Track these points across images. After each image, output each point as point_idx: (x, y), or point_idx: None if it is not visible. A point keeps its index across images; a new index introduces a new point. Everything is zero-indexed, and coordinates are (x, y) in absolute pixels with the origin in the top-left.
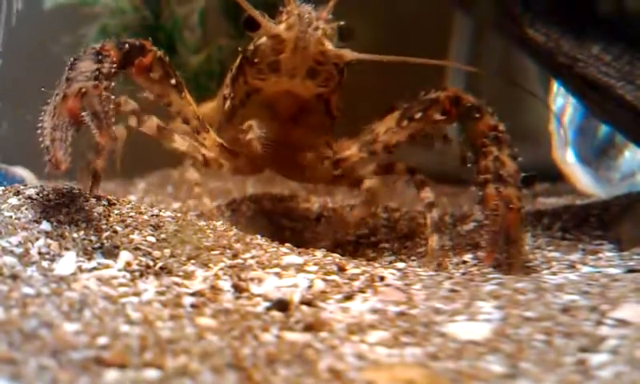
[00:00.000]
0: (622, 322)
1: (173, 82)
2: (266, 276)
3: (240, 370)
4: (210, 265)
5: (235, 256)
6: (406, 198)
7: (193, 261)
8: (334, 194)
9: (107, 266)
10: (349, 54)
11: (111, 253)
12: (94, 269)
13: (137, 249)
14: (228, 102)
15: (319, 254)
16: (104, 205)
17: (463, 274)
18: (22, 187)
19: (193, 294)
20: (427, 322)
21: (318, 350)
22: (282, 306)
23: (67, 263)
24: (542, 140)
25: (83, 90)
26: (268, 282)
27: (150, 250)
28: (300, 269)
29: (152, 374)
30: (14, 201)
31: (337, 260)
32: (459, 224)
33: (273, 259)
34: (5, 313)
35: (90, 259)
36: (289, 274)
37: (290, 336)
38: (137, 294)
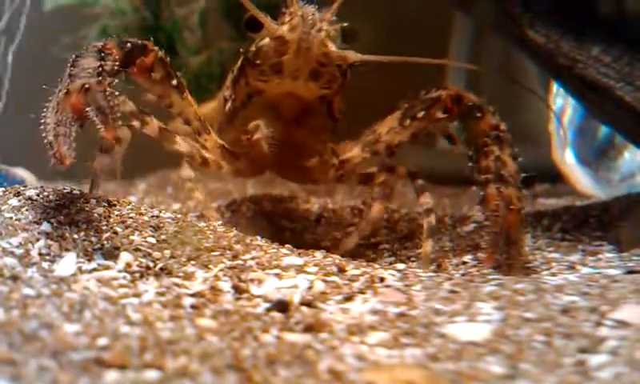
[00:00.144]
0: (622, 323)
1: (174, 82)
2: (266, 277)
3: (240, 371)
4: (210, 266)
5: (235, 257)
6: (406, 199)
7: (193, 262)
8: (334, 194)
9: (107, 267)
10: (352, 56)
11: (111, 254)
12: (95, 270)
13: (137, 250)
14: (229, 104)
15: (319, 254)
16: (104, 206)
17: (463, 274)
18: (22, 188)
19: (193, 295)
20: (427, 322)
21: (318, 350)
22: (282, 306)
23: (67, 264)
24: (541, 141)
25: (87, 85)
26: (268, 283)
27: (150, 251)
28: (300, 270)
29: (152, 374)
30: (14, 202)
31: (337, 261)
32: (459, 225)
33: (273, 260)
34: (5, 314)
35: (90, 260)
36: (289, 275)
37: (290, 337)
38: (137, 295)
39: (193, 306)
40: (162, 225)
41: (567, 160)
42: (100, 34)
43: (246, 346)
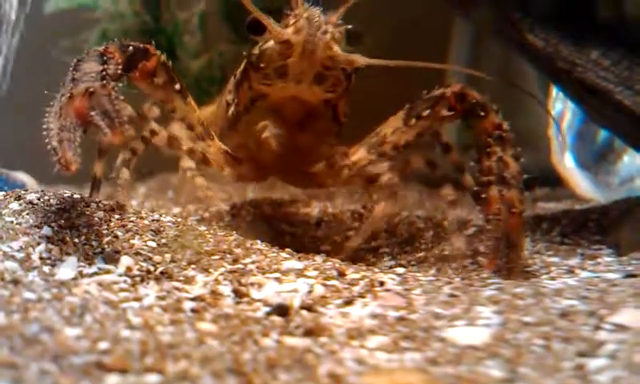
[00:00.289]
0: (621, 327)
1: (177, 87)
2: (266, 281)
3: (240, 375)
4: (211, 270)
5: (235, 261)
6: (406, 202)
7: (193, 266)
8: (334, 198)
9: (108, 271)
10: (359, 59)
11: (112, 258)
12: (95, 274)
13: (137, 254)
14: (232, 108)
15: (319, 258)
16: (104, 210)
17: (463, 278)
18: (23, 192)
19: (193, 299)
20: (427, 326)
21: (317, 354)
22: (282, 310)
23: (68, 268)
24: (541, 145)
25: (91, 89)
26: (268, 286)
27: (150, 254)
28: (300, 274)
29: (153, 378)
30: (15, 206)
31: (337, 265)
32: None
33: (273, 264)
34: (6, 318)
35: (90, 264)
36: (289, 278)
37: (290, 341)
38: (137, 299)
39: (193, 310)
40: (162, 229)
41: (566, 164)
42: (100, 38)
43: (246, 350)
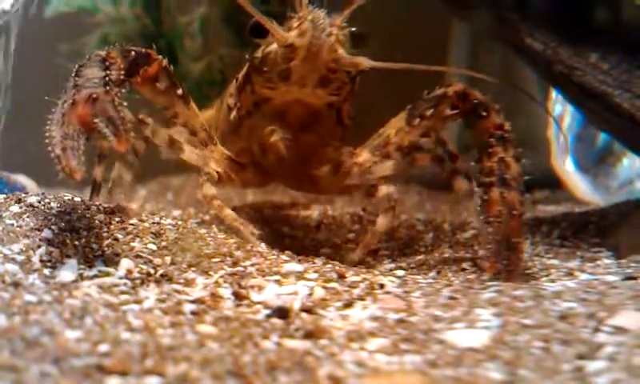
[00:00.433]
0: (620, 329)
1: (179, 92)
2: (267, 283)
3: (240, 378)
4: (211, 272)
5: (236, 264)
6: (405, 205)
7: (193, 268)
8: (334, 201)
9: (108, 274)
10: (364, 62)
11: (112, 260)
12: (95, 276)
13: (138, 256)
14: (234, 112)
15: (319, 261)
16: (105, 213)
17: (462, 281)
18: (23, 195)
19: (193, 302)
20: (426, 329)
21: (317, 357)
22: (282, 313)
23: (69, 271)
24: (540, 148)
25: (94, 95)
26: (268, 289)
27: (150, 257)
28: (300, 276)
29: (153, 381)
30: (15, 208)
31: (337, 268)
32: (458, 232)
33: (273, 267)
34: (7, 320)
35: (91, 267)
36: (289, 281)
37: (290, 343)
38: (138, 302)
39: (193, 313)
40: (162, 231)
41: (566, 167)
42: (101, 42)
43: (246, 353)
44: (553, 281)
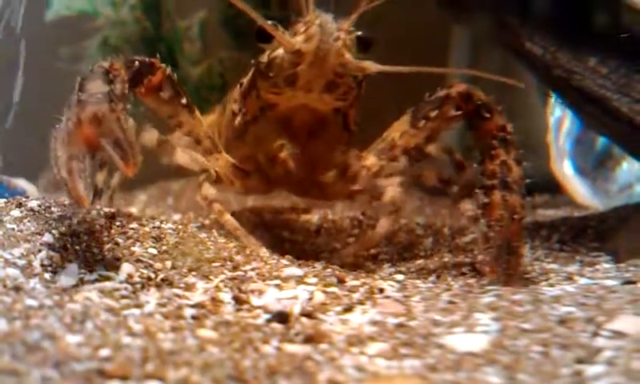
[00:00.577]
0: (618, 334)
1: (184, 101)
2: (267, 288)
3: (241, 382)
4: (211, 277)
5: (236, 268)
6: (405, 209)
7: (194, 273)
8: (334, 206)
9: (109, 278)
10: (371, 66)
11: (113, 265)
12: (96, 281)
13: (138, 261)
14: (239, 118)
15: (319, 265)
16: (105, 217)
17: (461, 285)
18: (24, 199)
19: (194, 306)
20: (426, 333)
21: (317, 361)
22: (283, 317)
23: (69, 275)
24: (540, 152)
25: (99, 113)
26: (268, 293)
27: (151, 261)
28: (300, 281)
29: None
30: (16, 213)
31: (336, 272)
32: (458, 236)
33: (273, 271)
34: (8, 324)
35: (91, 271)
36: (289, 286)
37: (290, 348)
38: (138, 306)
39: (194, 317)
40: (163, 236)
41: (565, 171)
42: (101, 45)
43: (246, 357)
44: (552, 285)
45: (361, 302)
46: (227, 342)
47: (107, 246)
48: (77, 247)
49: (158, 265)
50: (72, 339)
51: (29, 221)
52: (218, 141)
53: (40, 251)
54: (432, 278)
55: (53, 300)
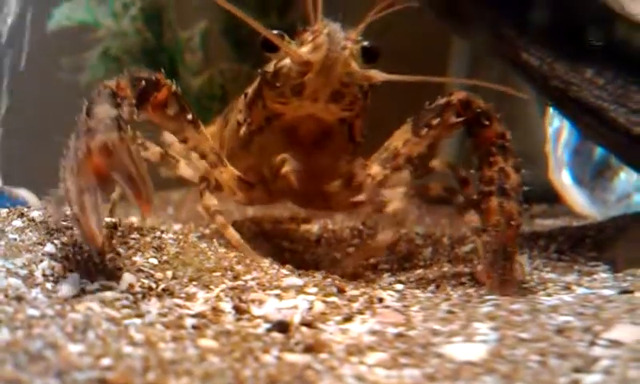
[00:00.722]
0: (615, 343)
1: (189, 117)
2: (267, 298)
3: None
4: (212, 286)
5: (236, 278)
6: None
7: (194, 282)
8: (334, 216)
9: (110, 288)
10: (377, 75)
11: (114, 275)
12: (97, 290)
13: (139, 271)
14: (244, 128)
15: (319, 275)
16: (106, 227)
17: (460, 295)
18: (26, 209)
19: (194, 316)
20: (425, 343)
21: (317, 371)
22: (283, 327)
23: (71, 285)
24: (538, 162)
25: (109, 143)
26: (269, 303)
27: (152, 271)
28: (300, 290)
29: None
30: (18, 223)
31: (336, 282)
32: (457, 246)
33: (273, 281)
34: (10, 334)
35: (93, 281)
36: (289, 295)
37: (291, 357)
38: (140, 316)
39: (194, 327)
40: (163, 246)
41: (564, 181)
42: (102, 56)
43: (246, 367)
44: (550, 295)
45: (360, 312)
46: (228, 351)
47: (108, 256)
48: (78, 257)
49: (158, 274)
50: (74, 348)
51: (30, 231)
52: (222, 154)
53: (42, 261)
54: (431, 287)
55: (54, 309)
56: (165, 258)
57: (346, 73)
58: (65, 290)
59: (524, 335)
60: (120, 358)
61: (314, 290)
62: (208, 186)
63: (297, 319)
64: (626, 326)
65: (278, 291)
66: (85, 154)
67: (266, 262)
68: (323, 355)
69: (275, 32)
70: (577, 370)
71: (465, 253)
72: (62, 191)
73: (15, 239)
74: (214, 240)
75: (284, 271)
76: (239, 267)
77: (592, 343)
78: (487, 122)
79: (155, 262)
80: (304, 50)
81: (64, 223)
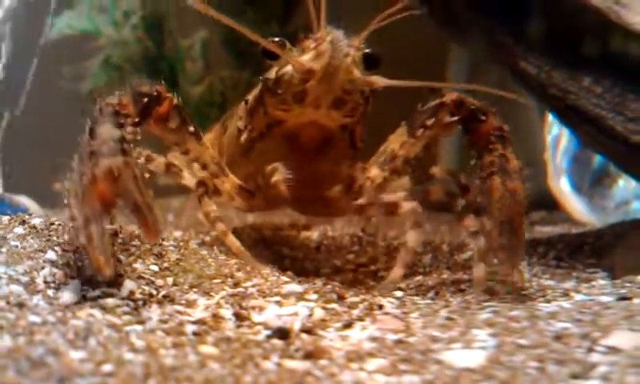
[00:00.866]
0: (613, 349)
1: (191, 129)
2: (267, 304)
3: None
4: (212, 293)
5: (237, 285)
6: (406, 226)
7: (195, 289)
8: (334, 222)
9: (111, 295)
10: (379, 81)
11: (115, 282)
12: (99, 297)
13: (140, 277)
14: (245, 135)
15: (319, 282)
16: (107, 234)
17: (459, 302)
18: (27, 217)
19: (195, 322)
20: (424, 349)
21: (317, 377)
22: (283, 334)
23: (72, 292)
24: (537, 169)
25: (114, 169)
26: (269, 310)
27: (153, 278)
28: (300, 297)
29: None
30: (19, 230)
31: (336, 288)
32: (456, 253)
33: (273, 288)
34: (12, 340)
35: (94, 288)
36: (289, 302)
37: (291, 364)
38: (140, 322)
39: (195, 333)
40: (164, 253)
41: (563, 188)
42: (103, 64)
43: (247, 373)
44: (548, 301)
45: (360, 319)
46: (228, 358)
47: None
48: (79, 264)
49: (159, 281)
50: (75, 355)
51: (32, 238)
52: (223, 164)
53: (43, 268)
54: (431, 294)
55: (56, 316)
56: (165, 264)
57: (348, 80)
58: (66, 296)
59: (522, 341)
60: (121, 364)
61: (314, 296)
62: (206, 190)
63: (297, 326)
64: (623, 333)
65: (278, 298)
66: (90, 179)
67: (266, 269)
68: (323, 362)
69: (277, 39)
70: (575, 377)
71: (464, 260)
72: (67, 216)
73: (17, 246)
74: (215, 247)
75: (284, 278)
76: (240, 274)
77: (590, 350)
78: (483, 117)
79: (156, 268)
80: (306, 57)
81: (65, 230)
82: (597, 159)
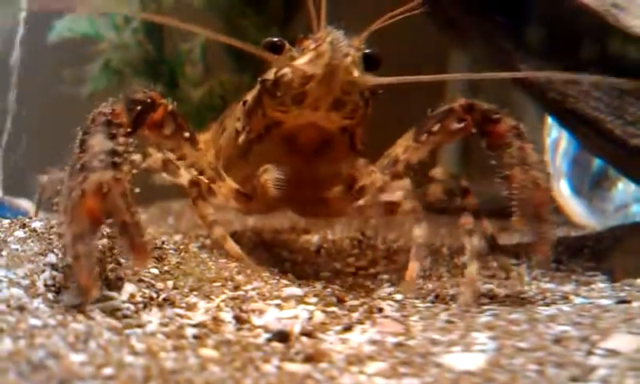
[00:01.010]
0: (612, 352)
1: (186, 135)
2: (267, 307)
3: None
4: (212, 296)
5: (237, 288)
6: (405, 229)
7: (195, 292)
8: (334, 225)
9: (111, 298)
10: (378, 79)
11: (115, 285)
12: (99, 300)
13: (140, 281)
14: (242, 136)
15: (319, 285)
16: (108, 237)
17: (459, 305)
18: (27, 220)
19: (195, 326)
20: (424, 352)
21: (317, 380)
22: (283, 337)
23: (72, 295)
24: None
25: (104, 186)
26: (269, 313)
27: (153, 281)
28: (300, 300)
29: None
30: (20, 233)
31: (336, 291)
32: (456, 256)
33: (274, 291)
34: (13, 343)
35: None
36: (289, 305)
37: (291, 367)
38: (141, 326)
39: (195, 337)
40: (164, 256)
41: (562, 191)
42: (104, 68)
43: (247, 376)
44: (548, 304)
45: (360, 322)
46: (228, 361)
47: (110, 266)
48: None
49: (159, 285)
50: (76, 358)
51: (32, 241)
52: (220, 168)
53: (43, 271)
54: (430, 297)
55: (56, 319)
56: (166, 268)
57: (347, 81)
58: (66, 299)
59: (522, 345)
60: (121, 367)
61: (314, 299)
62: (200, 191)
63: (297, 329)
64: (623, 336)
65: (278, 301)
66: (79, 195)
67: (266, 273)
68: (323, 365)
69: (276, 39)
70: (574, 380)
71: (464, 263)
72: (58, 233)
73: (17, 249)
74: (215, 250)
75: (284, 281)
76: (240, 277)
77: (589, 352)
78: (497, 116)
79: (156, 271)
80: (306, 58)
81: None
82: (596, 162)
